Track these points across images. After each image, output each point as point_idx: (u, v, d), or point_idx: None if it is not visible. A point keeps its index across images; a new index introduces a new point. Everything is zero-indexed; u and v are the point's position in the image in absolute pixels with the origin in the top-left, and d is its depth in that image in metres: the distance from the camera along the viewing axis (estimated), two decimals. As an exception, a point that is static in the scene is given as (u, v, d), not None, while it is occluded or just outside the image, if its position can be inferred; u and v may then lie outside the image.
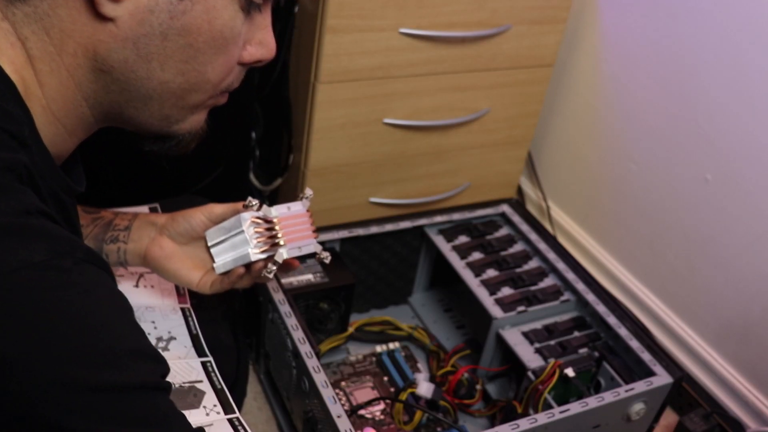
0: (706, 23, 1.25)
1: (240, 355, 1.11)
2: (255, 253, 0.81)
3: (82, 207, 0.87)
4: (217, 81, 0.64)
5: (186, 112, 0.67)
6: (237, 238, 0.83)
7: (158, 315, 0.91)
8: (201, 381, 0.84)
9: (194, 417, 0.80)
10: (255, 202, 0.81)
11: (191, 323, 0.91)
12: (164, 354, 0.85)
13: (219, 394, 0.84)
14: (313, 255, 0.84)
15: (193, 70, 0.61)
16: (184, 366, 0.86)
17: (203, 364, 0.87)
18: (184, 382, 0.83)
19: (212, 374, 0.86)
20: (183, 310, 0.93)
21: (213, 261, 0.85)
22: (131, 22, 0.56)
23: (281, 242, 0.81)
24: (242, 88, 1.35)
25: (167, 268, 0.85)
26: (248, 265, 0.83)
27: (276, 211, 0.82)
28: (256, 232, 0.81)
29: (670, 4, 1.31)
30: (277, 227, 0.81)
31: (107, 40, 0.57)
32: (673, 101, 1.34)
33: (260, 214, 0.82)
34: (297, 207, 0.83)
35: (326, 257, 0.85)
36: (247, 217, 0.82)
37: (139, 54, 0.58)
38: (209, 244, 0.85)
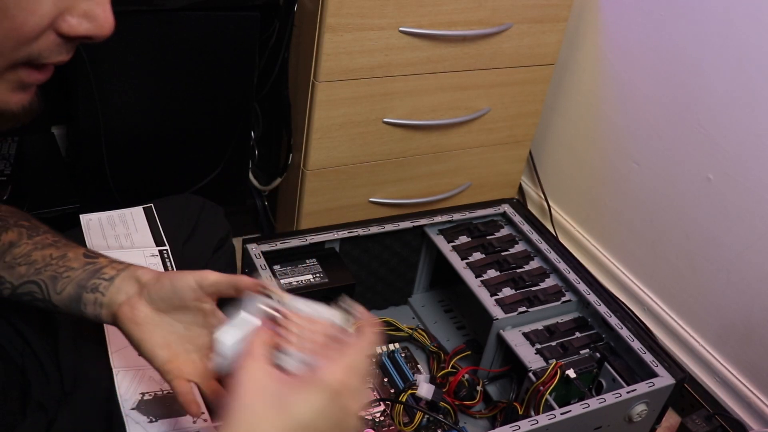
0: (708, 22, 1.25)
1: None
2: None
3: (84, 249, 0.77)
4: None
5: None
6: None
7: None
8: None
9: (182, 423, 0.79)
10: (274, 292, 0.64)
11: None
12: None
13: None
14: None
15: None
16: None
17: None
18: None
19: None
20: None
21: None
22: None
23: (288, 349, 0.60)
24: (242, 88, 1.35)
25: (133, 336, 0.70)
26: None
27: (301, 305, 0.63)
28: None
29: (671, 3, 1.31)
30: (294, 328, 0.61)
31: None
32: (675, 101, 1.33)
33: (276, 305, 0.63)
34: (327, 314, 0.64)
35: None
36: (257, 314, 0.63)
37: None
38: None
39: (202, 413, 0.76)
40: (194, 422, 0.79)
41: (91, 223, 1.00)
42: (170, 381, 0.70)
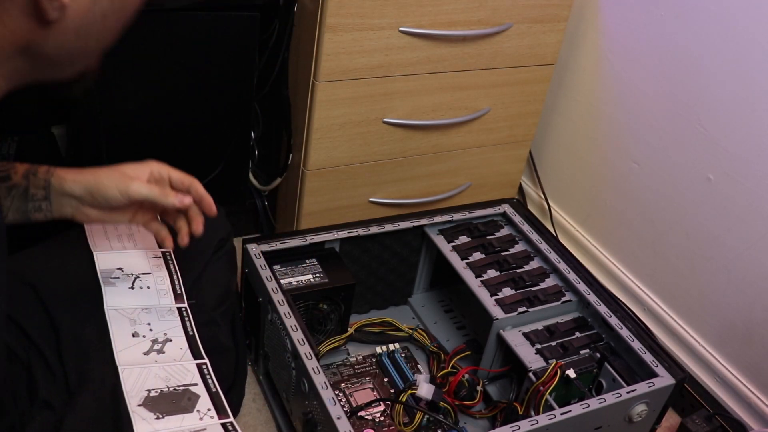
0: (709, 21, 1.24)
1: (239, 356, 1.10)
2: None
3: None
4: None
5: (96, 60, 0.71)
6: None
7: (154, 316, 0.90)
8: (196, 384, 0.84)
9: (187, 421, 0.79)
10: None
11: (188, 324, 0.91)
12: (159, 356, 0.84)
13: (213, 397, 0.83)
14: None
15: (114, 30, 0.67)
16: (179, 369, 0.85)
17: (198, 366, 0.86)
18: (178, 386, 0.83)
19: (207, 377, 0.85)
20: (180, 310, 0.92)
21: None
22: (74, 18, 0.60)
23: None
24: (241, 88, 1.35)
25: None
26: None
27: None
28: None
29: (671, 3, 1.31)
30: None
31: (44, 37, 0.60)
32: (675, 100, 1.33)
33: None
34: None
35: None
36: None
37: (78, 37, 0.62)
38: None
39: (209, 410, 0.78)
40: (201, 419, 0.80)
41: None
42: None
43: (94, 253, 0.94)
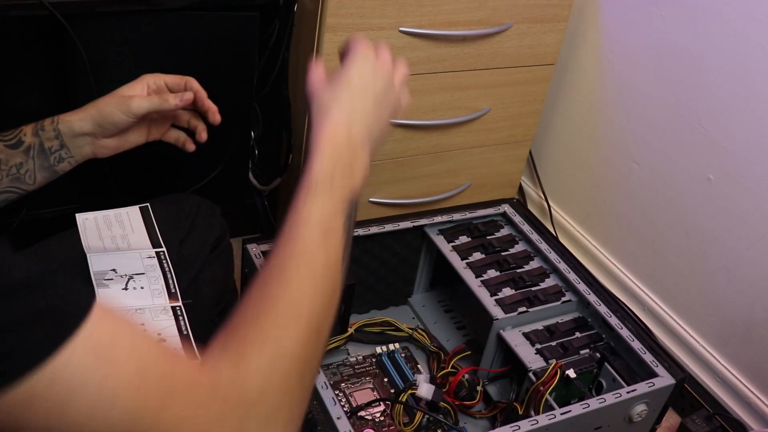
0: (708, 21, 1.24)
1: None
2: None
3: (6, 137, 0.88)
4: None
5: None
6: None
7: (148, 317, 0.90)
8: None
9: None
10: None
11: (182, 323, 0.90)
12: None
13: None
14: None
15: None
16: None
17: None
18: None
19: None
20: (174, 309, 0.92)
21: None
22: None
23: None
24: (241, 88, 1.35)
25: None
26: None
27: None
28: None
29: (671, 3, 1.30)
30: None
31: None
32: (676, 100, 1.33)
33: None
34: None
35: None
36: None
37: None
38: None
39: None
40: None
41: (87, 222, 1.00)
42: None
43: (88, 255, 0.93)
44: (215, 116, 0.95)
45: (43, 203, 1.27)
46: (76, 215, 1.01)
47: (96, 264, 0.93)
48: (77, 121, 0.88)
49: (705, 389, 1.33)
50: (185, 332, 0.90)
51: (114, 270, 0.93)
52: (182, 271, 0.96)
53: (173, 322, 0.90)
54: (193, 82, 0.94)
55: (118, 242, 0.98)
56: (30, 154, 0.87)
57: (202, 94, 0.94)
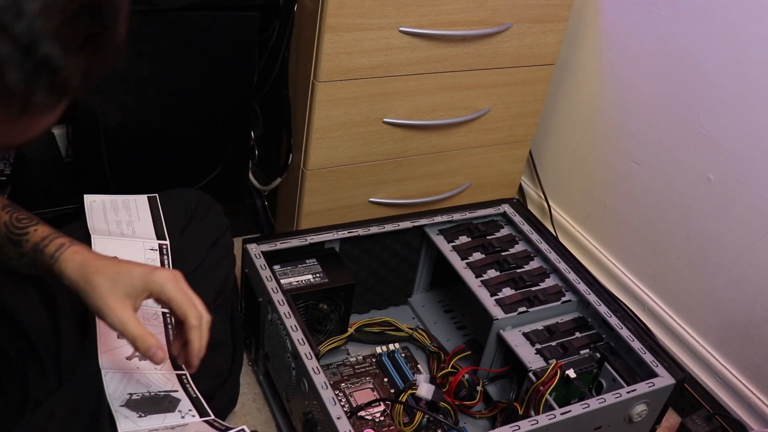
0: (709, 21, 1.24)
1: (236, 351, 1.10)
2: None
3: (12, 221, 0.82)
4: None
5: None
6: None
7: (139, 314, 0.89)
8: (176, 391, 0.84)
9: (169, 419, 0.79)
10: None
11: (170, 330, 0.90)
12: (141, 363, 0.84)
13: (194, 402, 0.83)
14: None
15: None
16: (160, 377, 0.85)
17: (179, 376, 0.86)
18: (159, 391, 0.83)
19: (187, 386, 0.85)
20: (164, 315, 0.91)
21: None
22: None
23: None
24: (241, 88, 1.35)
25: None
26: None
27: None
28: None
29: (671, 3, 1.30)
30: None
31: None
32: (676, 100, 1.33)
33: None
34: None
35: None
36: None
37: None
38: None
39: (190, 410, 0.78)
40: (182, 418, 0.80)
41: (95, 204, 0.99)
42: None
43: (92, 237, 0.93)
44: (190, 364, 0.81)
45: (43, 203, 1.27)
46: (84, 196, 1.00)
47: (99, 247, 0.92)
48: (70, 272, 0.78)
49: (705, 389, 1.33)
50: (171, 339, 0.89)
51: (115, 257, 0.93)
52: (181, 266, 0.96)
53: (162, 328, 0.90)
54: (194, 332, 0.79)
55: (123, 228, 0.97)
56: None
57: (195, 346, 0.79)
